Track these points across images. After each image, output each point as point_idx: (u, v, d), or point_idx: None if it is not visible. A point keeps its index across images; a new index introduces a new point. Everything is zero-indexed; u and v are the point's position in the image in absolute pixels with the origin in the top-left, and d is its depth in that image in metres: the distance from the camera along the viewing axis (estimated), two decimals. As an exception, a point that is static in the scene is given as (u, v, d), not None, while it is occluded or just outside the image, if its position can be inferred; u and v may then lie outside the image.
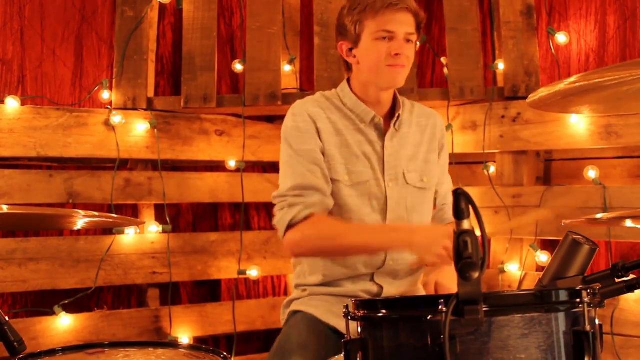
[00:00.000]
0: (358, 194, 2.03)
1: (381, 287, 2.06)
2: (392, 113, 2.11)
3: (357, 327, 1.33)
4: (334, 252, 2.01)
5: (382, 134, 2.07)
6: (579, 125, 2.87)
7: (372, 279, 2.06)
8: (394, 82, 2.05)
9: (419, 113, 2.18)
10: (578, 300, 1.21)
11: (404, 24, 2.01)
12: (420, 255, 1.93)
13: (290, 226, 1.97)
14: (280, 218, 2.00)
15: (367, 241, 1.96)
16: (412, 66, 3.07)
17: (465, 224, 1.16)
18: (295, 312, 2.08)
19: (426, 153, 2.14)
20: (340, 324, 1.99)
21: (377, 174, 2.05)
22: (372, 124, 2.07)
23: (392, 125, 2.09)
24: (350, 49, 2.07)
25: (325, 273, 2.07)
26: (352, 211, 2.02)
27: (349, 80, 2.14)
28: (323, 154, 2.02)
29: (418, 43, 3.28)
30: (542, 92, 1.51)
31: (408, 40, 2.02)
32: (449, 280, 2.00)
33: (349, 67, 2.14)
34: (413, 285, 2.15)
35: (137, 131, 3.12)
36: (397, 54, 2.00)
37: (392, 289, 2.07)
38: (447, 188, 2.23)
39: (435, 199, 2.21)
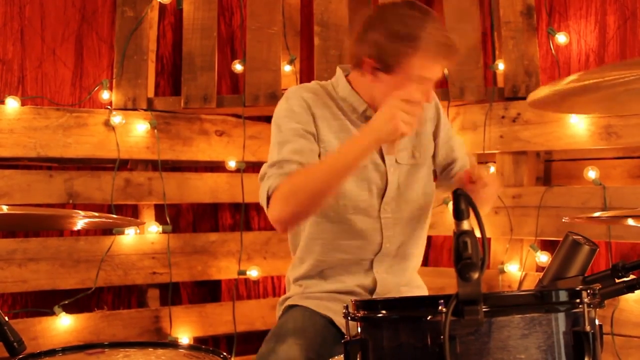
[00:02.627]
0: (356, 179, 1.99)
1: (376, 282, 2.04)
2: None
3: (357, 327, 1.33)
4: (316, 193, 1.85)
5: None
6: (578, 126, 2.87)
7: (370, 267, 2.04)
8: None
9: None
10: (578, 300, 1.21)
11: (440, 72, 1.91)
12: (387, 139, 1.81)
13: (269, 198, 1.87)
14: (260, 193, 1.92)
15: (337, 160, 1.83)
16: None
17: (465, 225, 1.16)
18: (290, 307, 2.07)
19: (418, 127, 2.05)
20: (336, 317, 1.97)
21: (375, 158, 2.02)
22: (363, 116, 2.04)
23: None
24: (376, 68, 1.91)
25: (317, 258, 2.02)
26: (347, 197, 1.98)
27: (347, 72, 2.05)
28: (317, 139, 1.98)
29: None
30: (543, 91, 1.51)
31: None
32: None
33: (359, 68, 1.98)
34: (411, 273, 2.13)
35: (137, 131, 3.12)
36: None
37: (388, 280, 2.05)
38: (460, 153, 2.14)
39: (452, 168, 2.14)
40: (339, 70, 2.08)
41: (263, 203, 1.92)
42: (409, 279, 2.12)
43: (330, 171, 1.83)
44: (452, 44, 1.87)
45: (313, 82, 2.10)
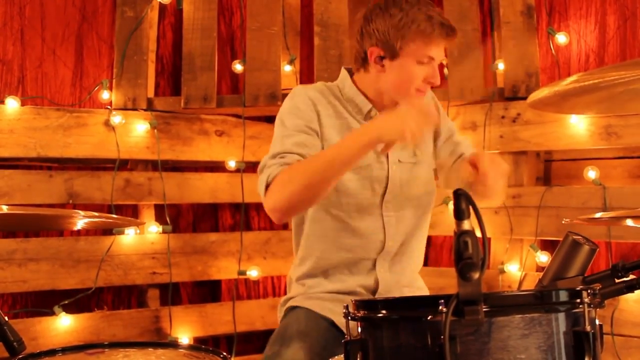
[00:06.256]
0: (359, 178, 2.00)
1: (378, 281, 2.05)
2: None
3: (357, 327, 1.33)
4: (313, 184, 1.83)
5: None
6: (578, 126, 2.87)
7: (373, 267, 2.04)
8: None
9: None
10: (578, 300, 1.21)
11: (442, 51, 1.97)
12: (389, 139, 1.78)
13: (267, 186, 1.87)
14: (259, 183, 1.91)
15: (338, 151, 1.83)
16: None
17: (466, 225, 1.16)
18: (292, 308, 2.08)
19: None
20: (338, 319, 1.98)
21: (379, 157, 2.03)
22: (368, 117, 2.05)
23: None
24: (382, 57, 1.96)
25: (320, 256, 2.03)
26: (350, 195, 1.99)
27: (351, 74, 2.08)
28: (321, 137, 1.99)
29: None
30: (543, 92, 1.51)
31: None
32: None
33: (364, 65, 2.02)
34: (413, 273, 2.13)
35: (137, 131, 3.12)
36: (430, 83, 1.97)
37: (391, 279, 2.05)
38: (466, 146, 2.14)
39: (452, 154, 2.14)
40: (343, 71, 2.11)
41: (261, 191, 1.90)
42: (411, 279, 2.13)
43: (329, 162, 1.83)
44: (450, 23, 1.94)
45: (319, 83, 2.11)
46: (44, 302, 3.00)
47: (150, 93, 3.22)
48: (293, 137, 1.93)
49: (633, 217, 1.65)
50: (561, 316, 1.20)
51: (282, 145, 1.93)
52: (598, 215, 1.81)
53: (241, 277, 3.26)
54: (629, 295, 2.36)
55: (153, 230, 3.13)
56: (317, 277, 2.07)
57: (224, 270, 3.26)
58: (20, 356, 1.51)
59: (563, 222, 1.74)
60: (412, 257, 2.11)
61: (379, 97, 2.03)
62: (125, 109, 3.13)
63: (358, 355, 1.30)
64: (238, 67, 3.26)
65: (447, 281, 2.96)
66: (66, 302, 2.96)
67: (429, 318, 1.17)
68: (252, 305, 3.37)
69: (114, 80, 3.16)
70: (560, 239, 1.54)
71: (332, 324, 1.99)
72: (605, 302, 1.32)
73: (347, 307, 1.34)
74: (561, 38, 3.09)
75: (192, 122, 3.23)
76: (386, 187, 2.03)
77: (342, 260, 2.04)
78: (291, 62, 3.29)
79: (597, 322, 1.23)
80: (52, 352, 1.58)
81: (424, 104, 1.81)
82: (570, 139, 2.90)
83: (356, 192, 2.00)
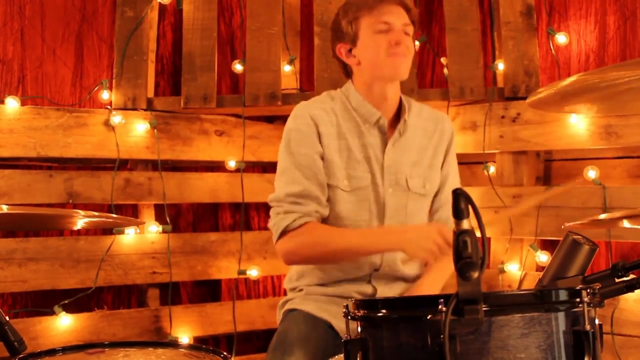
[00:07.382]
0: (356, 200, 2.03)
1: (375, 289, 2.06)
2: (397, 116, 2.10)
3: (357, 327, 1.33)
4: (327, 257, 2.00)
5: (384, 139, 2.06)
6: (578, 125, 2.87)
7: (369, 281, 2.06)
8: (397, 72, 2.04)
9: (427, 117, 2.16)
10: (578, 300, 1.21)
11: (399, 15, 2.03)
12: (412, 253, 1.90)
13: (284, 233, 1.99)
14: (276, 223, 2.01)
15: (360, 244, 1.95)
16: (412, 66, 3.11)
17: (465, 224, 1.16)
18: (291, 310, 2.08)
19: (432, 158, 2.13)
20: (335, 322, 1.99)
21: (376, 179, 2.04)
22: (376, 126, 2.06)
23: (396, 130, 2.08)
24: (350, 50, 2.07)
25: (320, 276, 2.07)
26: (348, 218, 2.03)
27: (352, 82, 2.14)
28: (323, 158, 2.01)
29: (417, 43, 3.32)
30: (543, 92, 1.51)
31: (406, 33, 2.04)
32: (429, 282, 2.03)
33: (348, 72, 2.13)
34: (408, 290, 2.14)
35: (137, 131, 3.12)
36: (397, 43, 2.00)
37: (387, 290, 2.07)
38: (447, 195, 2.19)
39: (432, 203, 2.19)
40: (348, 81, 2.15)
41: (275, 233, 2.03)
42: (410, 289, 2.14)
43: (347, 249, 1.96)
44: None
45: (323, 94, 2.14)
46: (44, 302, 3.00)
47: (150, 93, 3.22)
48: (303, 173, 2.00)
49: (633, 217, 1.65)
50: (561, 315, 1.20)
51: (292, 182, 2.00)
52: (603, 216, 1.81)
53: (241, 276, 3.26)
54: (629, 295, 2.35)
55: (153, 230, 3.13)
56: (315, 285, 2.09)
57: (224, 270, 3.26)
58: (21, 356, 1.51)
59: (562, 227, 1.74)
60: (410, 279, 2.13)
61: (371, 92, 2.07)
62: (125, 108, 3.13)
63: (358, 355, 1.31)
64: (238, 67, 3.26)
65: (446, 281, 2.96)
66: (66, 301, 2.96)
67: (428, 317, 1.17)
68: (252, 305, 3.37)
69: (114, 80, 3.15)
70: (560, 238, 1.54)
71: (330, 326, 1.99)
72: (605, 301, 1.32)
73: (347, 307, 1.34)
74: (561, 38, 3.09)
75: (192, 122, 3.23)
76: (384, 211, 2.04)
77: (340, 277, 2.06)
78: (291, 62, 3.29)
79: (597, 321, 1.23)
80: (53, 351, 1.58)
81: (448, 234, 1.83)
82: (570, 139, 2.90)
83: (353, 214, 2.04)
